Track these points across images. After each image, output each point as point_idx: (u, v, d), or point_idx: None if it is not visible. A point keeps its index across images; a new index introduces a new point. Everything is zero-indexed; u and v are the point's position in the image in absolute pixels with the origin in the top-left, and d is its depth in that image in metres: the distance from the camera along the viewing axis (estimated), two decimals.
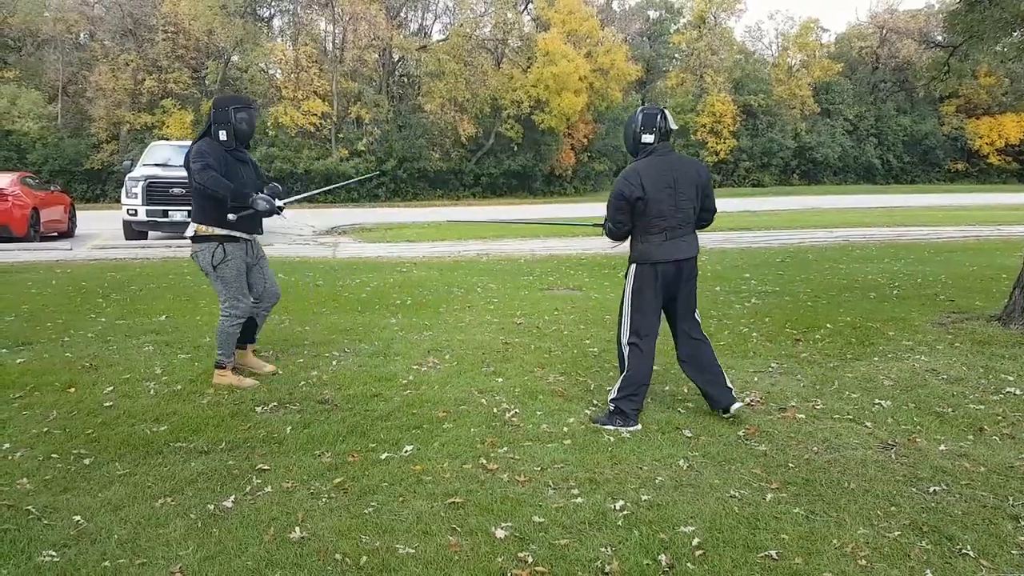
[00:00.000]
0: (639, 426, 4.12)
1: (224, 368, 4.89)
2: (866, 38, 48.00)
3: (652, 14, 48.99)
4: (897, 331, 6.42)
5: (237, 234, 4.82)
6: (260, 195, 4.84)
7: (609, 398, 4.27)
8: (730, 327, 6.63)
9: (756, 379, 5.06)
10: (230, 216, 4.77)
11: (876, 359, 5.55)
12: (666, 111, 4.23)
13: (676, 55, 46.89)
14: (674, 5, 47.80)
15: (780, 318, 6.99)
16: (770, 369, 5.30)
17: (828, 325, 6.65)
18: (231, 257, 4.80)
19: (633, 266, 4.27)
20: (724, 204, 28.66)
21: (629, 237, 4.31)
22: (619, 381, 4.25)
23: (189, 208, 15.66)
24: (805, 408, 4.46)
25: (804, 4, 63.44)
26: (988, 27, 7.54)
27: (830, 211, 23.86)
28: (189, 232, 4.87)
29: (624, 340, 4.29)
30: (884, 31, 46.83)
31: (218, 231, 4.77)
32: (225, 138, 4.75)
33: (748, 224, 18.85)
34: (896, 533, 2.98)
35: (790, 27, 47.33)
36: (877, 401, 4.58)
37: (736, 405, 4.22)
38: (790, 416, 4.31)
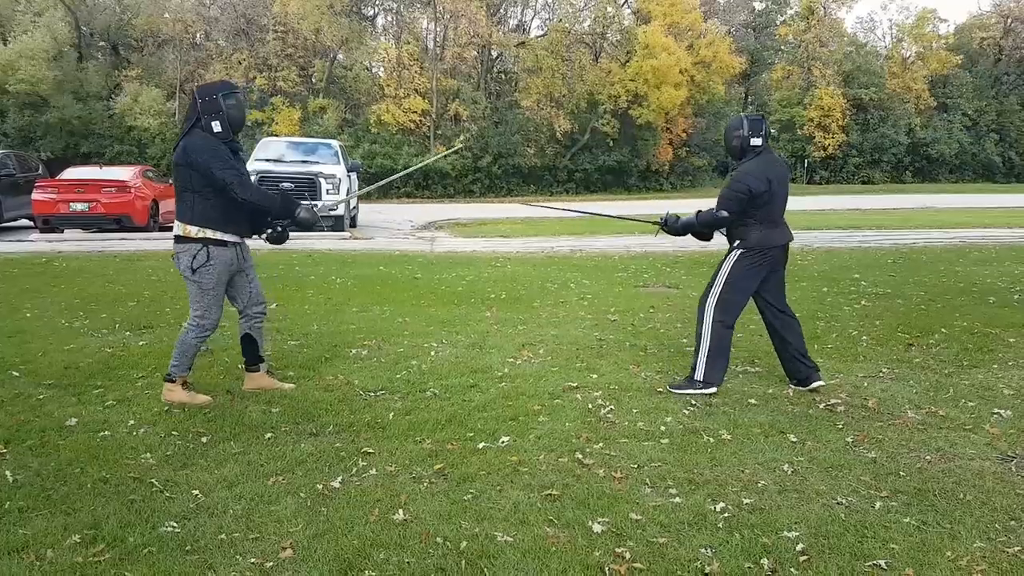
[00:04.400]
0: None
1: (174, 382, 4.41)
2: (988, 28, 45.13)
3: (757, 5, 47.55)
4: (1018, 338, 6.06)
5: (228, 238, 4.33)
6: (303, 203, 4.50)
7: (696, 377, 4.61)
8: (839, 330, 6.40)
9: (866, 384, 4.87)
10: (268, 232, 4.46)
11: (995, 367, 5.26)
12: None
13: (782, 47, 45.36)
14: None
15: (892, 321, 6.70)
16: (881, 374, 5.09)
17: (943, 330, 6.33)
18: (215, 262, 4.29)
19: (741, 251, 4.63)
20: (832, 202, 27.72)
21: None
22: (702, 356, 4.59)
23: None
24: (918, 415, 4.27)
25: None
26: None
27: (946, 210, 22.64)
28: (176, 231, 4.36)
29: (711, 314, 4.65)
30: (1009, 20, 43.97)
31: (209, 233, 4.27)
32: (220, 129, 4.24)
33: (858, 223, 18.11)
34: (1016, 548, 2.82)
35: (905, 17, 45.06)
36: (996, 411, 4.33)
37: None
38: (902, 423, 4.13)
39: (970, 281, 8.97)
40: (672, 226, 4.87)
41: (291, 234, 4.72)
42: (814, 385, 4.69)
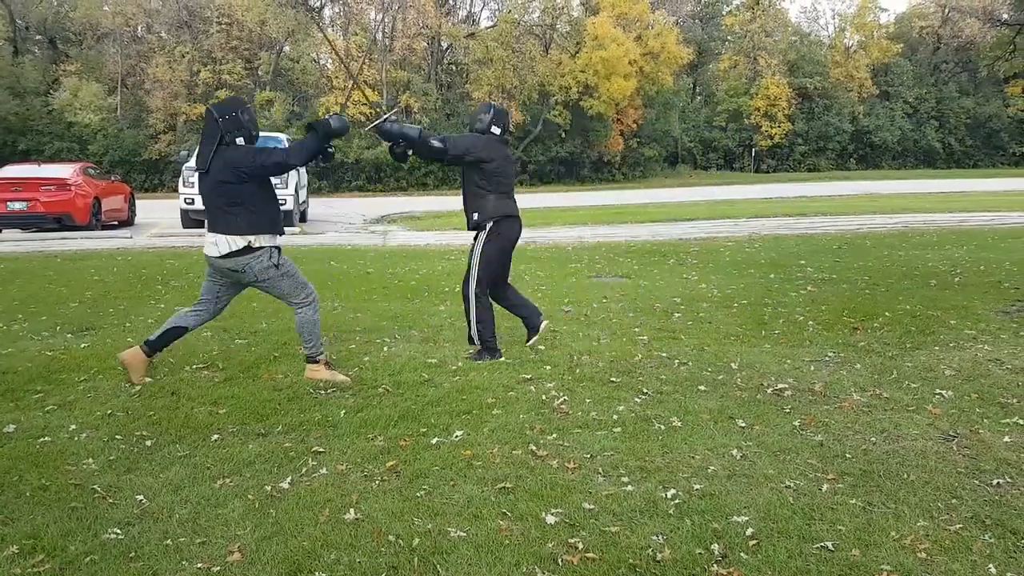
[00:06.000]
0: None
1: (318, 362, 4.76)
2: (927, 17, 46.44)
3: None
4: (959, 320, 6.23)
5: (275, 243, 4.64)
6: (326, 119, 4.62)
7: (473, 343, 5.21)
8: (785, 315, 6.51)
9: (812, 368, 4.96)
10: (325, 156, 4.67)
11: (937, 348, 5.40)
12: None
13: (729, 37, 46.05)
14: None
15: (837, 306, 6.84)
16: (827, 358, 5.19)
17: (887, 313, 6.48)
18: (283, 256, 4.66)
19: (490, 223, 5.11)
20: (779, 189, 28.13)
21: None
22: (475, 325, 5.15)
23: None
24: (863, 398, 4.36)
25: None
26: None
27: (889, 196, 23.24)
28: (228, 248, 4.48)
29: (472, 288, 5.17)
30: (946, 10, 45.23)
31: (264, 241, 4.54)
32: (243, 143, 4.54)
33: (804, 210, 18.47)
34: (958, 526, 2.89)
35: (847, 7, 46.05)
36: (938, 391, 4.45)
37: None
38: (848, 406, 4.22)
39: (912, 265, 9.21)
40: (388, 129, 4.99)
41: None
42: (543, 326, 5.43)
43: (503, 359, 5.14)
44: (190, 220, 15.14)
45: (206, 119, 4.57)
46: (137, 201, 17.99)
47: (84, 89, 31.69)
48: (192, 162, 14.88)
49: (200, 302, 4.82)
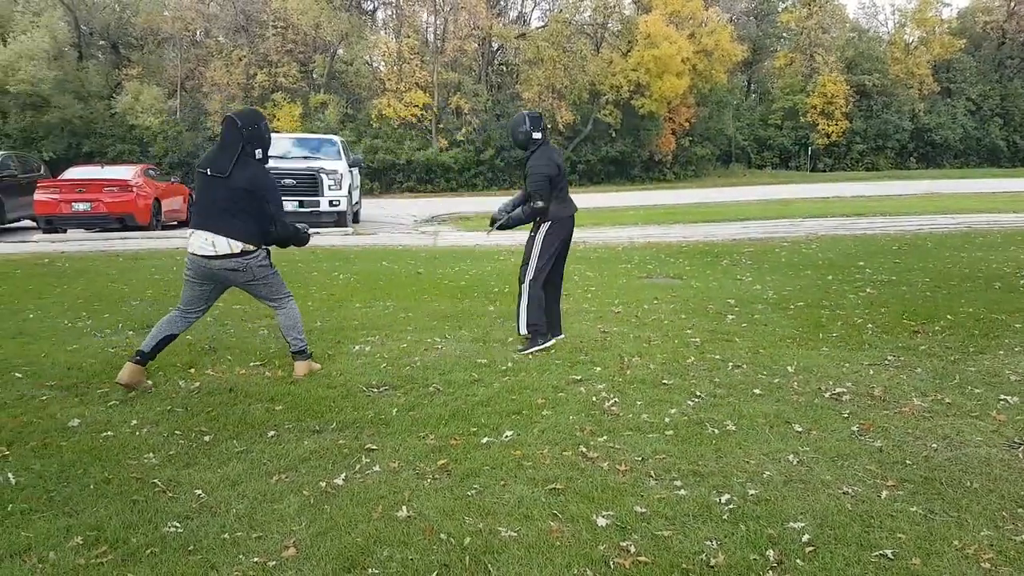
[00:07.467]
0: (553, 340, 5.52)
1: (310, 356, 4.98)
2: (991, 12, 44.79)
3: None
4: None
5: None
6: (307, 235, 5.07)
7: (521, 333, 5.47)
8: (843, 318, 6.36)
9: (871, 372, 4.83)
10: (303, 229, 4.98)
11: (1001, 353, 5.22)
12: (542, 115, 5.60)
13: (784, 34, 45.13)
14: None
15: (897, 309, 6.66)
16: (886, 362, 5.06)
17: (949, 316, 6.29)
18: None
19: (548, 223, 5.44)
20: (836, 189, 27.50)
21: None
22: (524, 314, 5.40)
23: (301, 198, 16.05)
24: (924, 403, 4.24)
25: None
26: None
27: (950, 196, 22.53)
28: (228, 249, 4.55)
29: (529, 279, 5.44)
30: (1012, 4, 43.61)
31: (252, 247, 4.67)
32: (261, 157, 4.60)
33: (862, 210, 18.04)
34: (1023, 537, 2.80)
35: (907, 2, 44.76)
36: (1003, 397, 4.30)
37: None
38: (908, 411, 4.10)
39: (975, 267, 8.91)
40: (504, 226, 5.66)
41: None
42: (551, 342, 5.54)
43: (551, 348, 5.42)
44: None
45: (227, 126, 4.58)
46: None
47: (145, 93, 32.55)
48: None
49: (188, 309, 4.80)
